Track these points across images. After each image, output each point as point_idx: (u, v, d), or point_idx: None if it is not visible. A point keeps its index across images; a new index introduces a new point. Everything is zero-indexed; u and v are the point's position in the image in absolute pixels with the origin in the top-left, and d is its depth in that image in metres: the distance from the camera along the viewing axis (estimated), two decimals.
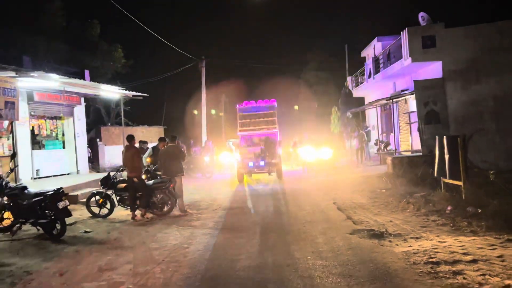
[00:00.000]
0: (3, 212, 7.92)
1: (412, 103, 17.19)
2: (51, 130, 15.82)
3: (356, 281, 4.65)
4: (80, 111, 16.65)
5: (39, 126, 15.22)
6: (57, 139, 16.26)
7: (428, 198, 9.72)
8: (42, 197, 7.56)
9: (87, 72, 16.70)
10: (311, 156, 19.47)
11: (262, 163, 16.09)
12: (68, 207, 7.78)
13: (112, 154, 22.53)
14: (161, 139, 11.14)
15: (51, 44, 19.67)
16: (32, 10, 20.49)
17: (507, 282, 4.39)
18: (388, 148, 19.38)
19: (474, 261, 5.15)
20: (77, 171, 16.27)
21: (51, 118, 15.76)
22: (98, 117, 27.65)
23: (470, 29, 14.70)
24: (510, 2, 26.66)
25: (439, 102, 14.93)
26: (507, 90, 14.41)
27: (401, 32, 15.89)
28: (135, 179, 9.67)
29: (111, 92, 15.48)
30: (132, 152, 9.87)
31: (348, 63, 30.54)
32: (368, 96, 25.40)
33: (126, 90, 15.29)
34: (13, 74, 10.00)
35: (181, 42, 32.96)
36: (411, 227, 7.38)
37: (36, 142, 15.43)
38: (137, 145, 11.15)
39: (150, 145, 13.57)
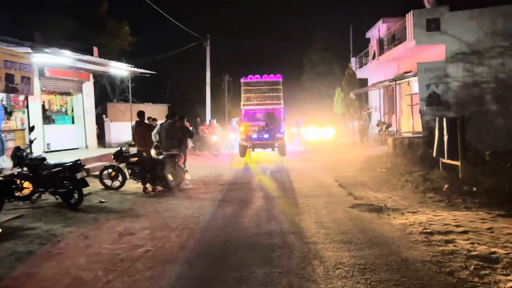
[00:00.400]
0: (23, 181, 8.36)
1: (414, 85, 17.46)
2: (61, 105, 16.19)
3: (356, 246, 5.10)
4: (89, 87, 16.97)
5: (49, 101, 15.58)
6: (66, 114, 16.64)
7: (427, 177, 10.14)
8: (61, 168, 7.99)
9: (95, 49, 16.94)
10: (314, 136, 19.87)
11: (266, 135, 16.08)
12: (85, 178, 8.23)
13: (118, 130, 22.88)
14: (171, 115, 11.50)
15: (58, 20, 19.80)
16: None
17: (493, 249, 4.83)
18: (390, 129, 19.73)
19: (465, 232, 5.59)
20: (86, 146, 16.70)
21: (61, 93, 16.11)
22: (104, 93, 27.91)
23: (474, 13, 14.87)
24: None
25: (441, 84, 15.22)
26: (510, 73, 14.69)
27: (406, 15, 16.07)
28: (144, 154, 10.09)
29: (120, 69, 15.78)
30: (144, 128, 10.25)
31: (352, 44, 30.65)
32: (371, 77, 25.62)
33: (133, 67, 15.57)
34: (29, 50, 10.30)
35: (186, 20, 32.97)
36: (408, 203, 7.82)
37: (46, 117, 15.80)
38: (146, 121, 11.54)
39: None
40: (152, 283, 4.19)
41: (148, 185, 10.03)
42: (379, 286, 3.89)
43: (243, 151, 16.30)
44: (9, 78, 9.88)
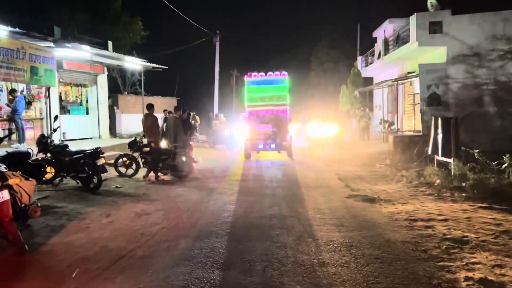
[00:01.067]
0: (46, 166, 9.12)
1: (417, 85, 18.01)
2: (76, 96, 16.99)
3: (346, 229, 5.79)
4: (103, 79, 17.74)
5: (65, 92, 16.37)
6: (81, 105, 17.44)
7: (421, 172, 10.79)
8: (82, 154, 8.75)
9: (110, 43, 17.69)
10: (318, 132, 20.48)
11: (273, 145, 15.43)
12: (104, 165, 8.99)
13: (128, 122, 23.68)
14: (176, 108, 12.21)
15: (74, 14, 20.58)
16: None
17: (466, 234, 5.50)
18: (392, 127, 20.32)
19: (445, 220, 6.26)
20: (99, 136, 17.50)
21: (77, 85, 16.90)
22: (115, 85, 28.71)
23: (475, 17, 15.41)
24: None
25: (442, 85, 15.80)
26: (509, 75, 15.24)
27: (410, 17, 16.63)
28: (152, 144, 10.79)
29: (134, 64, 16.51)
30: (152, 120, 10.94)
31: (360, 42, 31.16)
32: (377, 76, 26.17)
33: (147, 62, 16.30)
34: (51, 44, 11.05)
35: (196, 15, 33.66)
36: (400, 195, 8.48)
37: (62, 107, 16.60)
38: (160, 114, 12.28)
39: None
40: (168, 252, 4.91)
41: (151, 174, 10.69)
42: (361, 259, 4.58)
43: (248, 155, 15.85)
44: (33, 70, 10.63)
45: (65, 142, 9.54)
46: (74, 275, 4.17)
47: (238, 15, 46.85)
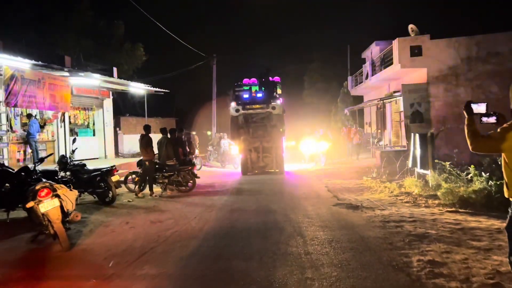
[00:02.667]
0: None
1: (402, 104, 19.33)
2: (84, 119, 18.15)
3: (329, 229, 6.92)
4: (108, 103, 18.96)
5: (74, 116, 17.53)
6: (88, 127, 18.59)
7: (401, 183, 11.97)
8: (99, 172, 9.86)
9: (115, 69, 18.96)
10: (311, 148, 21.65)
11: (263, 164, 16.26)
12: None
13: (130, 142, 24.79)
14: (171, 131, 13.14)
15: (79, 41, 21.92)
16: (63, 10, 22.64)
17: (428, 231, 6.64)
18: (380, 143, 21.57)
19: (414, 221, 7.41)
20: (105, 156, 18.62)
21: (85, 109, 18.08)
22: (116, 107, 29.95)
23: (451, 41, 16.82)
24: (486, 18, 29.17)
25: (424, 103, 17.09)
26: (486, 93, 16.56)
27: (393, 41, 18.04)
28: (147, 163, 11.73)
29: (138, 88, 17.75)
30: (146, 140, 11.86)
31: (349, 63, 32.64)
32: (366, 95, 27.55)
33: (150, 86, 17.55)
34: (67, 74, 12.27)
35: (192, 38, 35.18)
36: (381, 203, 9.62)
37: (70, 130, 17.75)
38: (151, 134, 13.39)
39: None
40: (183, 249, 6.02)
41: (156, 190, 11.68)
42: (339, 250, 5.71)
43: (245, 171, 16.35)
44: (52, 98, 11.82)
45: (83, 162, 10.62)
46: (110, 264, 5.28)
47: (234, 36, 48.49)
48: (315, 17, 53.49)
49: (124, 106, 30.60)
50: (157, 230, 7.19)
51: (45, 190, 5.55)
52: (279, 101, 16.43)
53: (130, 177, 12.27)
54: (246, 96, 16.36)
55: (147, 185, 11.55)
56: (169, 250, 5.96)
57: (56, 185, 5.81)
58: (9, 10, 20.45)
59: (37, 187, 5.55)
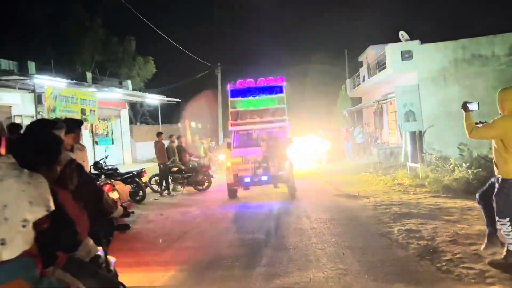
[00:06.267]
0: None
1: (396, 104, 20.85)
2: (103, 129, 19.75)
3: (330, 212, 8.44)
4: (125, 114, 20.57)
5: (95, 126, 19.12)
6: (107, 136, 20.19)
7: (395, 176, 13.47)
8: (131, 174, 11.41)
9: (129, 82, 20.58)
10: (313, 148, 23.15)
11: (264, 177, 10.98)
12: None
13: (142, 148, 26.33)
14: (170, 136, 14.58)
15: (94, 58, 23.57)
16: (76, 29, 24.24)
17: (411, 211, 8.13)
18: (378, 141, 23.07)
19: (401, 204, 8.90)
20: (123, 162, 20.19)
21: (104, 119, 19.68)
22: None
23: (439, 45, 18.33)
24: (471, 22, 30.90)
25: (415, 103, 18.57)
26: (470, 93, 18.04)
27: (385, 47, 19.57)
28: (161, 166, 13.21)
29: (153, 99, 19.36)
30: (160, 145, 13.32)
31: (348, 66, 34.19)
32: (364, 96, 29.07)
33: (165, 97, 19.15)
34: (94, 90, 13.87)
35: (196, 47, 36.87)
36: (375, 193, 11.11)
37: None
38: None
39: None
40: (213, 230, 7.55)
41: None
42: (337, 225, 7.23)
43: (232, 194, 11.39)
44: (82, 111, 13.41)
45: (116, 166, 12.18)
46: (160, 241, 6.82)
47: (237, 42, 50.17)
48: (315, 21, 55.21)
49: (135, 115, 32.28)
50: (189, 218, 8.74)
51: (108, 186, 7.10)
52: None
53: (153, 179, 13.81)
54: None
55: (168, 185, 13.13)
56: (203, 231, 7.51)
57: (114, 181, 7.37)
58: (28, 29, 22.08)
59: (101, 183, 7.10)
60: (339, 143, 27.01)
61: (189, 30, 46.52)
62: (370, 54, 26.73)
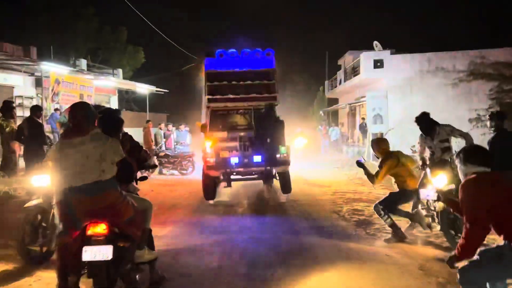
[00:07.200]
0: None
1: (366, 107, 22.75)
2: None
3: (297, 196, 10.11)
4: (114, 100, 21.85)
5: None
6: None
7: (357, 171, 15.28)
8: None
9: (120, 71, 21.83)
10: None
11: (257, 158, 8.99)
12: None
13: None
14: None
15: (87, 45, 24.69)
16: (71, 16, 25.27)
17: (362, 197, 9.89)
18: (348, 141, 24.98)
19: (355, 192, 10.66)
20: None
21: (94, 104, 20.92)
22: None
23: (407, 57, 20.27)
24: (436, 36, 33.28)
25: (383, 108, 20.49)
26: (432, 102, 20.03)
27: (360, 55, 21.40)
28: (147, 151, 14.81)
29: (143, 88, 20.69)
30: (146, 131, 14.93)
31: (327, 68, 36.07)
32: (341, 98, 30.98)
33: (151, 86, 20.52)
34: (92, 77, 15.21)
35: (186, 38, 38.15)
36: (338, 184, 12.88)
37: None
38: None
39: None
40: (200, 203, 9.13)
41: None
42: (301, 205, 8.91)
43: (209, 190, 9.21)
44: (81, 96, 14.76)
45: None
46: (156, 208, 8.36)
47: (225, 35, 51.50)
48: (301, 22, 56.95)
49: (120, 101, 33.43)
50: (177, 194, 10.31)
51: None
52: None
53: None
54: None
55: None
56: (190, 203, 9.09)
57: None
58: (26, 15, 23.05)
59: None
60: (316, 140, 28.87)
61: (180, 22, 47.63)
62: (348, 59, 28.61)
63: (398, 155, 6.33)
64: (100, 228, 3.42)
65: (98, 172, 3.48)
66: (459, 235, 5.61)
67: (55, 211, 3.68)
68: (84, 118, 3.58)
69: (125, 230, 3.62)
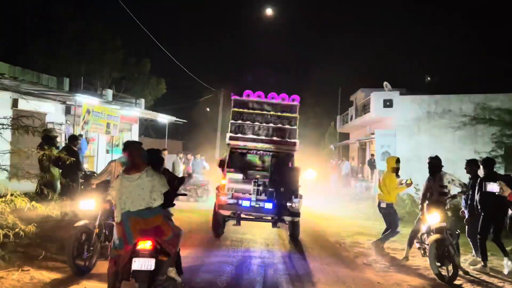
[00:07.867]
0: None
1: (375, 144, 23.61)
2: (117, 140, 22.22)
3: (303, 227, 10.92)
4: (136, 128, 23.07)
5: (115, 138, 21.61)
6: (118, 147, 22.62)
7: (363, 206, 16.05)
8: None
9: (143, 101, 23.16)
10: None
11: (268, 205, 8.96)
12: None
13: None
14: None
15: (112, 75, 26.24)
16: (99, 47, 26.94)
17: (365, 231, 10.65)
18: (359, 175, 25.73)
19: (360, 226, 11.42)
20: None
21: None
22: None
23: (416, 98, 21.20)
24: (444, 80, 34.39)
25: (392, 145, 21.34)
26: (438, 142, 20.84)
27: (371, 94, 22.43)
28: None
29: (164, 118, 21.90)
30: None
31: (340, 103, 37.18)
32: (352, 133, 31.90)
33: (172, 116, 21.74)
34: (118, 107, 16.42)
35: (204, 71, 39.85)
36: (344, 217, 13.65)
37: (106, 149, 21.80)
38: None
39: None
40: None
41: None
42: (306, 233, 9.71)
43: (219, 228, 9.31)
44: (108, 125, 15.93)
45: None
46: None
47: (240, 73, 53.33)
48: (316, 56, 58.65)
49: (140, 128, 34.87)
50: (193, 221, 11.19)
51: None
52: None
53: None
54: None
55: None
56: (205, 229, 9.99)
57: None
58: (57, 45, 24.75)
59: None
60: (327, 174, 29.67)
61: (200, 55, 49.63)
62: (360, 95, 29.65)
63: None
64: (147, 244, 4.38)
65: (150, 200, 4.48)
66: (444, 267, 6.42)
67: (115, 229, 4.64)
68: (139, 158, 4.60)
69: (165, 247, 4.56)
